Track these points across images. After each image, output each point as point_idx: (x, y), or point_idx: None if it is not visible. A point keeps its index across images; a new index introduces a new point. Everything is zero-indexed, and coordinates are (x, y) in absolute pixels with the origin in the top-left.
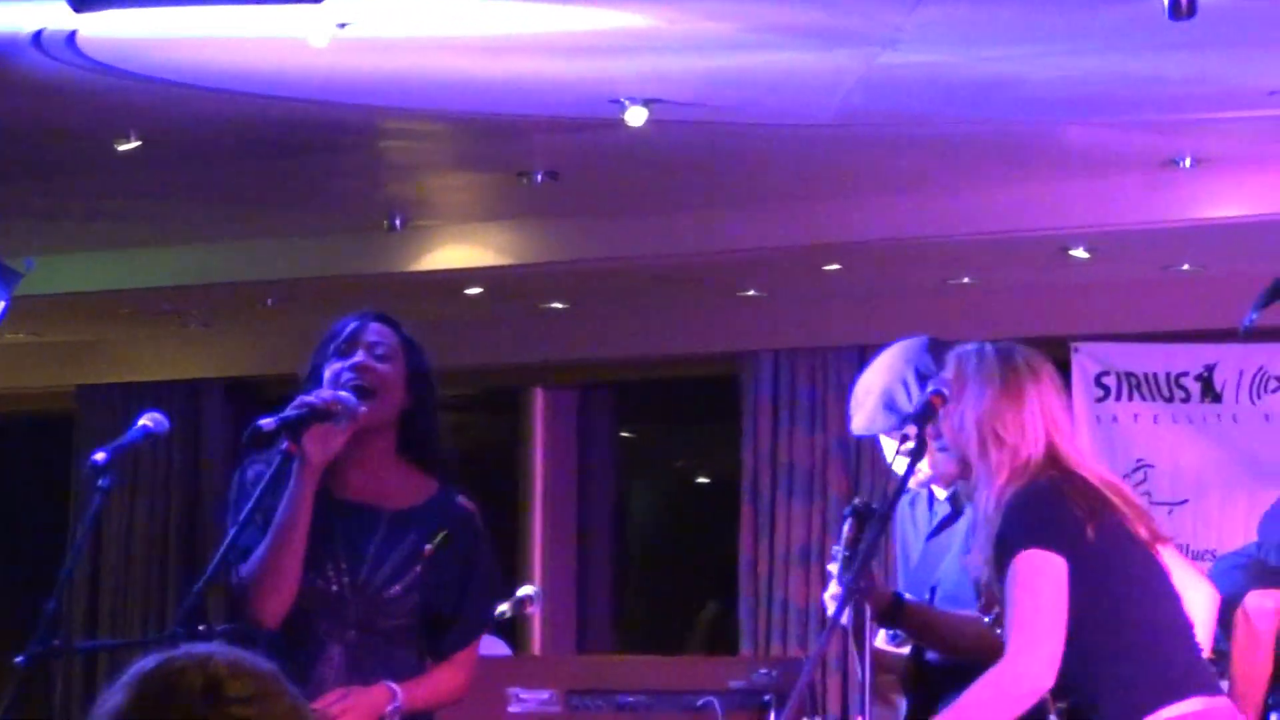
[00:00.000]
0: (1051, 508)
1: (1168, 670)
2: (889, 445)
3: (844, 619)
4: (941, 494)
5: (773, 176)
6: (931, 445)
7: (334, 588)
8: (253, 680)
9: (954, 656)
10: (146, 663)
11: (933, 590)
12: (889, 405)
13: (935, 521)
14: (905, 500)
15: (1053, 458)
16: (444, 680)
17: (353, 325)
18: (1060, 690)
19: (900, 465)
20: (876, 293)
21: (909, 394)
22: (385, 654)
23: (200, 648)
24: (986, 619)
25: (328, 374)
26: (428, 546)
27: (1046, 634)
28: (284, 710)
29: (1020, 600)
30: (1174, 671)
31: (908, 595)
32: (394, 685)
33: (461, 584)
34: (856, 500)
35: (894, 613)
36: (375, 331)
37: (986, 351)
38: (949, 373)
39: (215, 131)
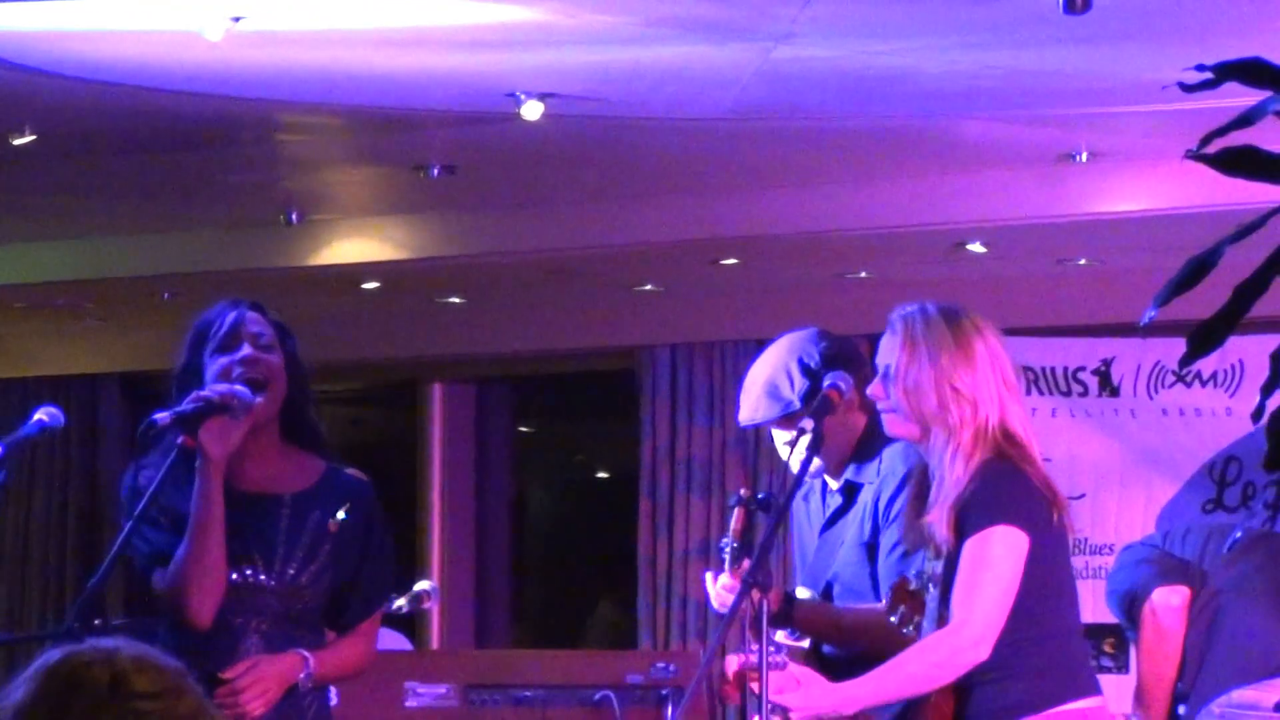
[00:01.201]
0: (1024, 488)
1: (1077, 666)
2: (779, 437)
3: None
4: (834, 484)
5: (669, 171)
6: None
7: (250, 580)
8: (158, 676)
9: (849, 650)
10: (51, 656)
11: (829, 584)
12: (772, 394)
13: (828, 513)
14: (799, 493)
15: (1009, 433)
16: (350, 650)
17: (232, 317)
18: None
19: (796, 457)
20: (773, 287)
21: (791, 383)
22: (298, 638)
23: (106, 643)
24: (892, 618)
25: (214, 368)
26: (332, 521)
27: (998, 610)
28: (188, 706)
29: (981, 572)
30: (1082, 668)
31: (801, 592)
32: (306, 653)
33: (362, 553)
34: (742, 490)
35: (786, 611)
36: (255, 321)
37: (930, 311)
38: (896, 336)
39: (111, 125)
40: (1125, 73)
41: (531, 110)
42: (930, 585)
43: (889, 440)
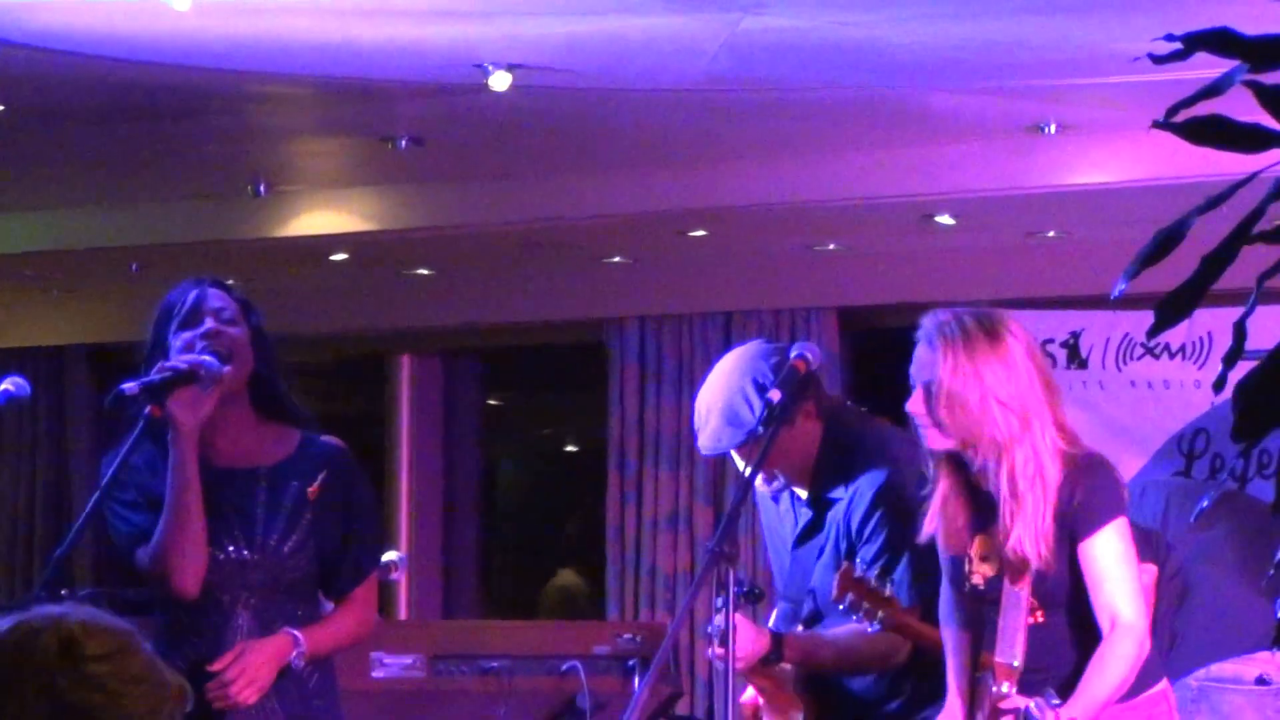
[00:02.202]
0: (1116, 477)
1: (1153, 652)
2: (739, 459)
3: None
4: (803, 494)
5: (638, 142)
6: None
7: (234, 556)
8: (108, 637)
9: (848, 674)
10: None
11: (813, 594)
12: (732, 421)
13: (799, 526)
14: (766, 493)
15: (1065, 430)
16: (345, 620)
17: (194, 294)
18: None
19: (752, 466)
20: (742, 259)
21: (751, 407)
22: (290, 610)
23: (53, 609)
24: (870, 628)
25: (178, 344)
26: (311, 489)
27: (1143, 599)
28: (139, 665)
29: (1124, 566)
30: (1155, 654)
31: (781, 605)
32: (295, 631)
33: (346, 519)
34: (725, 545)
35: (777, 651)
36: (216, 297)
37: (967, 322)
38: (934, 348)
39: (78, 96)
40: (1093, 43)
41: (499, 81)
42: (1004, 584)
43: (853, 447)
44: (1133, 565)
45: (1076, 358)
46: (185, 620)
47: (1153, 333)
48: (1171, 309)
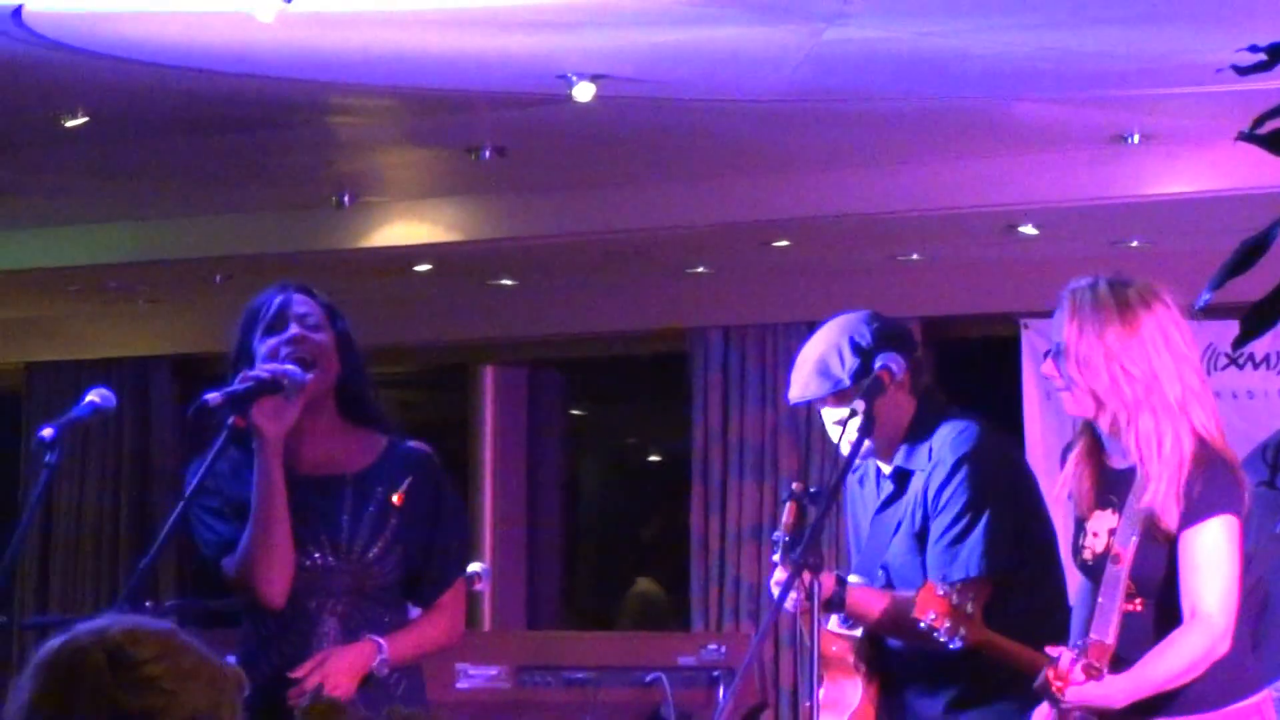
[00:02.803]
0: (1237, 476)
1: (1251, 659)
2: (829, 416)
3: (790, 602)
4: (886, 469)
5: (720, 152)
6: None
7: (320, 563)
8: (154, 640)
9: (900, 639)
10: (45, 650)
11: (885, 568)
12: (822, 371)
13: (881, 498)
14: (854, 478)
15: (1197, 411)
16: (429, 627)
17: (279, 300)
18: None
19: (846, 438)
20: (825, 269)
21: (842, 361)
22: (376, 616)
23: (96, 622)
24: (921, 624)
25: (262, 350)
26: (396, 496)
27: (1235, 600)
28: (191, 661)
29: (1220, 563)
30: (1254, 661)
31: (854, 579)
32: (378, 638)
33: (432, 525)
34: (794, 485)
35: (839, 596)
36: (301, 303)
37: (1099, 285)
38: (1064, 312)
39: (162, 107)
40: (1177, 54)
41: (583, 92)
42: (1108, 563)
43: (940, 424)
44: (1233, 565)
45: None
46: (272, 628)
47: (1238, 344)
48: (1257, 320)
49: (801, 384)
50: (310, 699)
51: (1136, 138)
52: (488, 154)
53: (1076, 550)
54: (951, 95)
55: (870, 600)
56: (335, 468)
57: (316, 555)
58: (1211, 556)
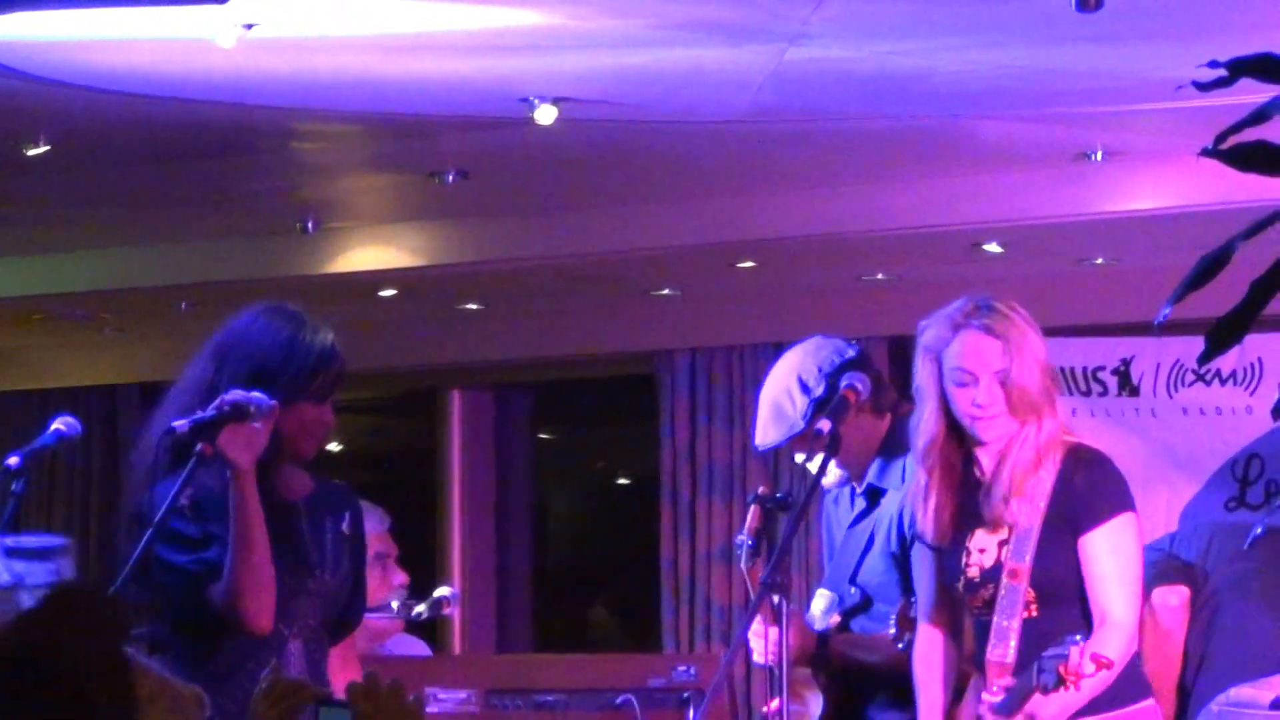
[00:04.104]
0: (1122, 475)
1: (1140, 663)
2: (797, 455)
3: (758, 653)
4: (858, 489)
5: (685, 174)
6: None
7: (287, 586)
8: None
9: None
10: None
11: (859, 587)
12: (778, 416)
13: (853, 514)
14: (829, 498)
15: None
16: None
17: (335, 359)
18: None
19: (814, 464)
20: (791, 290)
21: (793, 403)
22: (319, 641)
23: None
24: (900, 645)
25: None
26: (344, 527)
27: (1141, 599)
28: (151, 685)
29: (1123, 562)
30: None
31: (821, 596)
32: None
33: (359, 560)
34: (760, 489)
35: (822, 652)
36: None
37: (1003, 307)
38: (994, 331)
39: (125, 135)
40: (1139, 70)
41: (545, 115)
42: (1003, 578)
43: (907, 451)
44: (1134, 562)
45: (1128, 385)
46: (240, 649)
47: (1204, 359)
48: (1223, 335)
49: (761, 430)
50: (268, 681)
51: (1100, 155)
52: (451, 178)
53: (955, 574)
54: (915, 114)
55: (852, 643)
56: (284, 494)
57: (289, 578)
58: (1112, 559)
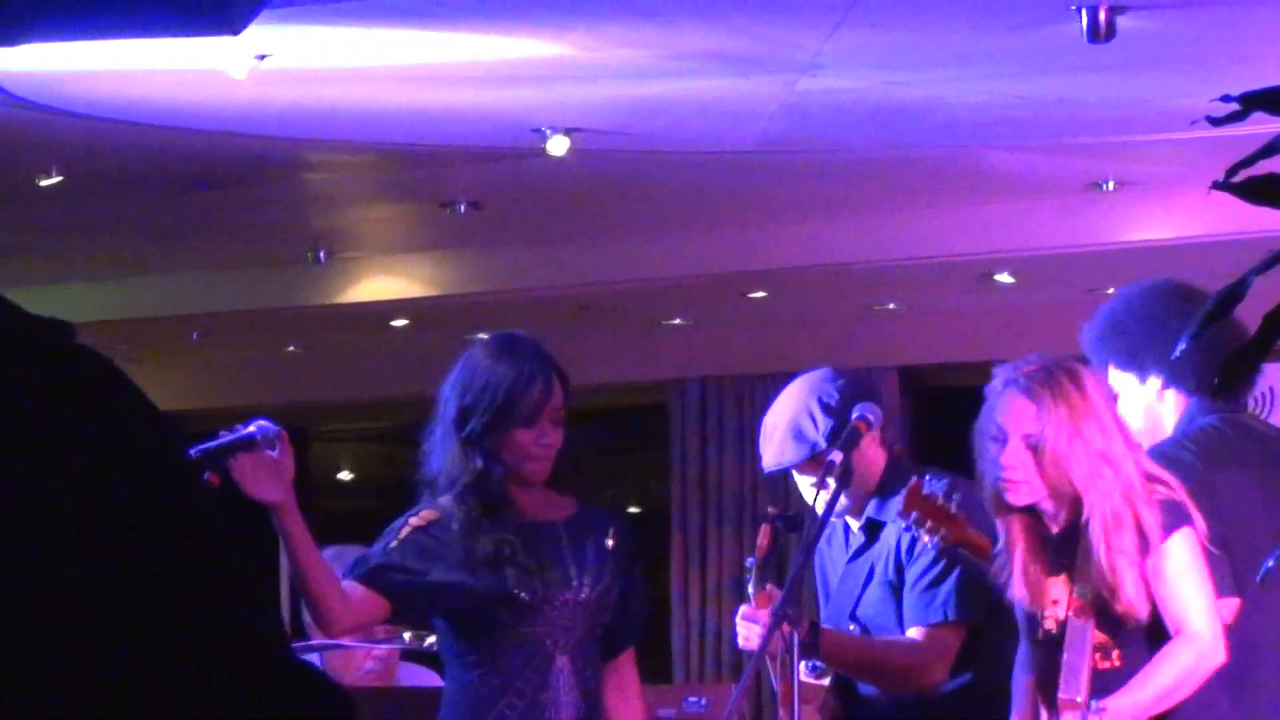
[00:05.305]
0: (1180, 498)
1: None
2: (803, 481)
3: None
4: (855, 524)
5: (696, 204)
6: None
7: (557, 601)
8: None
9: (875, 684)
10: None
11: (859, 622)
12: (796, 436)
13: (851, 550)
14: (822, 538)
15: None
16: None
17: (540, 388)
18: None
19: (822, 498)
20: (802, 319)
21: (815, 423)
22: (592, 654)
23: None
24: (930, 541)
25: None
26: (609, 541)
27: (1215, 610)
28: None
29: (1191, 576)
30: None
31: (825, 625)
32: None
33: (629, 574)
34: (770, 508)
35: (813, 642)
36: (558, 393)
37: (1056, 373)
38: (1032, 393)
39: (138, 165)
40: (1150, 101)
41: (557, 145)
42: (1070, 621)
43: (911, 478)
44: (1202, 576)
45: None
46: (509, 662)
47: (1218, 392)
48: (1236, 369)
49: (775, 451)
50: None
51: (1111, 185)
52: (463, 209)
53: (1035, 629)
54: (926, 144)
55: (845, 643)
56: (546, 515)
57: (543, 591)
58: (1181, 573)
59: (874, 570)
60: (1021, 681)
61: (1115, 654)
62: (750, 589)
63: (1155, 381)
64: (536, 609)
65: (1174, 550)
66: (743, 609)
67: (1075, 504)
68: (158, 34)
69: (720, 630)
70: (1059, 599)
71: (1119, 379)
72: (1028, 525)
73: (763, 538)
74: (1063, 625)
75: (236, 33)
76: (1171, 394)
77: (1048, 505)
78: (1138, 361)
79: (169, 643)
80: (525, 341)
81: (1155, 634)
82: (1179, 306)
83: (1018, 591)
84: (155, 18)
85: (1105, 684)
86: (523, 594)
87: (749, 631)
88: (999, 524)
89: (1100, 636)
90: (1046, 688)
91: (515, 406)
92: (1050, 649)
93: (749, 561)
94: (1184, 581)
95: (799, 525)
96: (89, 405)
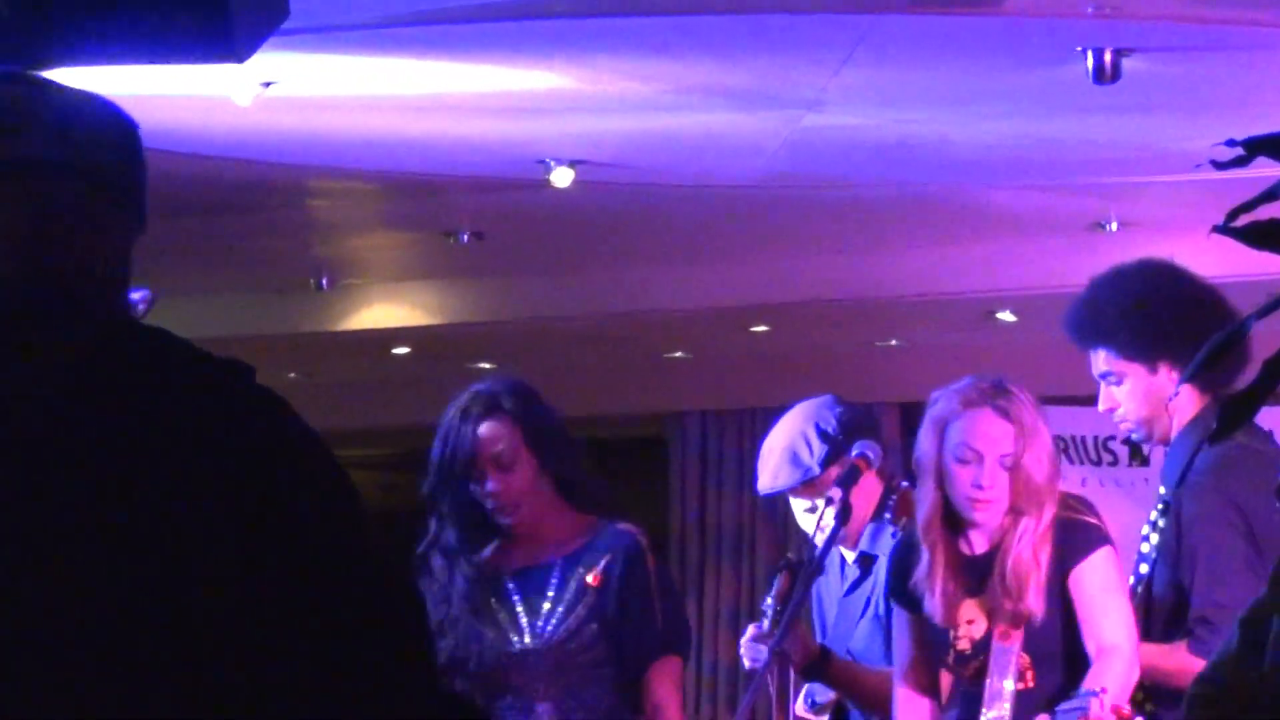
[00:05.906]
0: (1097, 514)
1: None
2: (798, 505)
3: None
4: (850, 556)
5: (699, 238)
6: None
7: (518, 647)
8: None
9: (878, 713)
10: None
11: (852, 654)
12: (792, 460)
13: (846, 584)
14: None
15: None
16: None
17: (468, 441)
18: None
19: (825, 522)
20: (803, 354)
21: (810, 449)
22: (581, 697)
23: None
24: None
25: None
26: (592, 576)
27: (1135, 626)
28: None
29: (1110, 593)
30: None
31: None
32: None
33: (626, 600)
34: (790, 554)
35: (821, 665)
36: (491, 439)
37: (1013, 389)
38: (1008, 414)
39: None
40: (1154, 143)
41: (561, 177)
42: (993, 642)
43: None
44: (1122, 593)
45: (1139, 455)
46: (487, 712)
47: (1217, 436)
48: (1236, 412)
49: (771, 473)
50: None
51: (1114, 226)
52: (466, 238)
53: (944, 648)
54: (930, 182)
55: (852, 669)
56: (544, 555)
57: (515, 640)
58: (1100, 591)
59: (868, 605)
60: (905, 695)
61: (1029, 674)
62: (767, 630)
63: (1168, 373)
64: (491, 665)
65: (1093, 567)
66: (750, 629)
67: (1004, 523)
68: (163, 61)
69: (718, 662)
70: (974, 619)
71: (1119, 366)
72: (949, 544)
73: (782, 583)
74: (977, 645)
75: (242, 60)
76: (1186, 388)
77: (991, 523)
78: (1149, 352)
79: (359, 668)
80: (478, 390)
81: (1070, 657)
82: (1193, 298)
83: (934, 609)
84: (160, 45)
85: (1022, 706)
86: (469, 661)
87: (756, 653)
88: (924, 544)
89: (1022, 657)
90: (968, 706)
91: (451, 463)
92: (960, 667)
93: (766, 605)
94: (1102, 600)
95: (819, 572)
96: (285, 449)
